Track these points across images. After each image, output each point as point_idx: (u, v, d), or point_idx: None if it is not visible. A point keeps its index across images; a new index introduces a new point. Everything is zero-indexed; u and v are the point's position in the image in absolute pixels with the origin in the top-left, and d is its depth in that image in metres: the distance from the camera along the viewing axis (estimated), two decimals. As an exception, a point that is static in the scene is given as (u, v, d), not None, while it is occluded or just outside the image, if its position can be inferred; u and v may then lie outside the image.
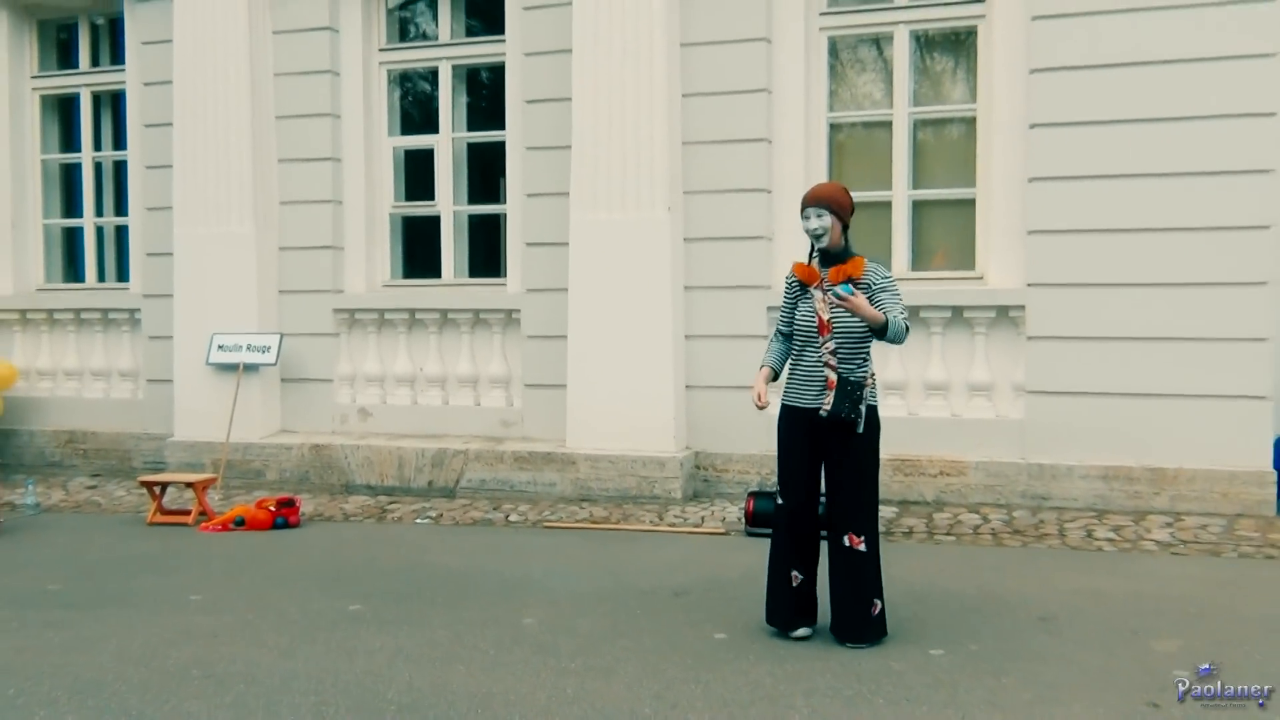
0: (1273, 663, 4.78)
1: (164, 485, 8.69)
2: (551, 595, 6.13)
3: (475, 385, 9.70)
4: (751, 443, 8.47)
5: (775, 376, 5.44)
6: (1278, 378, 7.95)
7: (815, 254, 5.25)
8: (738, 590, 5.99)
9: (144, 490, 8.87)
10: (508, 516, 8.43)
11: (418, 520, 8.44)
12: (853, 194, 5.31)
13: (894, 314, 5.05)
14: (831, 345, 5.09)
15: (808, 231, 5.18)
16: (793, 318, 5.31)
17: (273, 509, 8.23)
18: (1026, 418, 8.16)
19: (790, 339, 5.35)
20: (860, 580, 5.12)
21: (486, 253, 10.13)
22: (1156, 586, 6.11)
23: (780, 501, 5.30)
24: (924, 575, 6.43)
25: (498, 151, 9.67)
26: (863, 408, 5.07)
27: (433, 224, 9.96)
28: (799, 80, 8.67)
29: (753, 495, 7.79)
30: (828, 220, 5.13)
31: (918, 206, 8.74)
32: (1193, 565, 6.64)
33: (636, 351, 8.62)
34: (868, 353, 5.19)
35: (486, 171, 10.10)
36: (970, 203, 8.54)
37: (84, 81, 11.14)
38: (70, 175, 11.45)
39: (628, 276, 8.65)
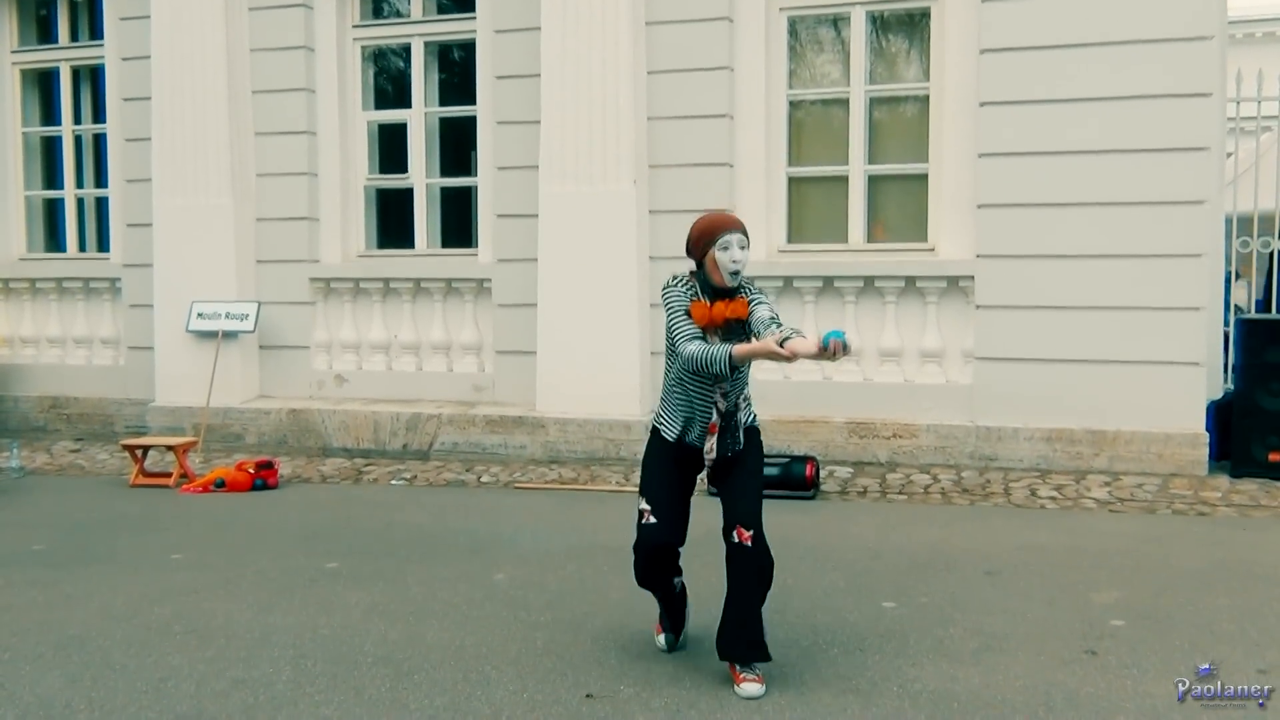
0: (1203, 613, 4.97)
1: (146, 449, 8.76)
2: (521, 553, 6.23)
3: (448, 352, 9.80)
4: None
5: None
6: (1211, 345, 8.18)
7: (695, 283, 4.28)
8: (700, 548, 5.59)
9: (126, 454, 8.95)
10: (479, 478, 8.55)
11: (393, 482, 8.56)
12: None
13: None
14: (725, 385, 4.33)
15: (734, 263, 4.17)
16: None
17: (252, 471, 8.33)
18: (975, 383, 8.34)
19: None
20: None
21: (458, 224, 10.17)
22: (1095, 542, 6.32)
23: (654, 520, 4.45)
24: (877, 532, 6.64)
25: (469, 126, 9.72)
26: (741, 434, 4.41)
27: (406, 196, 10.01)
28: (759, 58, 8.77)
29: (714, 457, 8.03)
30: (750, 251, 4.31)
31: (873, 181, 8.84)
32: (1129, 522, 6.86)
33: (603, 319, 8.73)
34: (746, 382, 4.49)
35: (458, 145, 10.11)
36: (923, 177, 8.67)
37: (63, 56, 11.10)
38: (51, 148, 11.42)
39: (595, 247, 8.75)
